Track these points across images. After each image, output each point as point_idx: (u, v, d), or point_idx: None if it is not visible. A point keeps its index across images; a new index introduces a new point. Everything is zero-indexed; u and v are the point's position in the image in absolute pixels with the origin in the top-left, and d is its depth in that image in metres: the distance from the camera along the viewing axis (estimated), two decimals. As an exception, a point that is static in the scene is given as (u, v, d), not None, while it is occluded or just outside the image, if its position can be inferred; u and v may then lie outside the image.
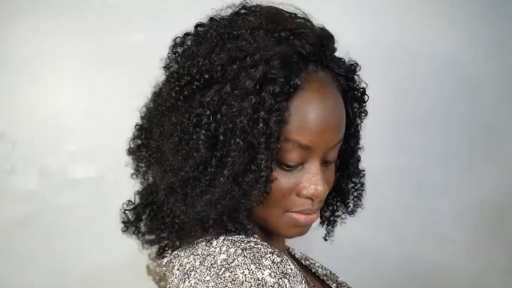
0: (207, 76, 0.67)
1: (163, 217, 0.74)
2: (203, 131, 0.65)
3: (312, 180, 0.69)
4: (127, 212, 0.84)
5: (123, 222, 0.84)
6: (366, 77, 0.81)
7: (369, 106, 0.84)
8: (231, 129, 0.64)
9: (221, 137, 0.65)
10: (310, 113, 0.67)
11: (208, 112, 0.65)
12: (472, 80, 1.39)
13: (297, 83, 0.66)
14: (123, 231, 0.85)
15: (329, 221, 0.90)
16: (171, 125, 0.70)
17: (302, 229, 0.74)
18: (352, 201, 0.89)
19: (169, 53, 0.79)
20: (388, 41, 1.35)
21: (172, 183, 0.68)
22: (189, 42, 0.77)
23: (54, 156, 1.33)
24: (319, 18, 0.77)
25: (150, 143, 0.77)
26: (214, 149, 0.66)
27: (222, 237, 0.67)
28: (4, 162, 1.31)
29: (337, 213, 0.90)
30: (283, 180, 0.68)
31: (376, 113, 1.40)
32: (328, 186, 0.73)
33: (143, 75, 1.35)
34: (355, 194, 0.89)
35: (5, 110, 1.31)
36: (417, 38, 1.38)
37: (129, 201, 0.84)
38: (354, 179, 0.87)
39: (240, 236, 0.68)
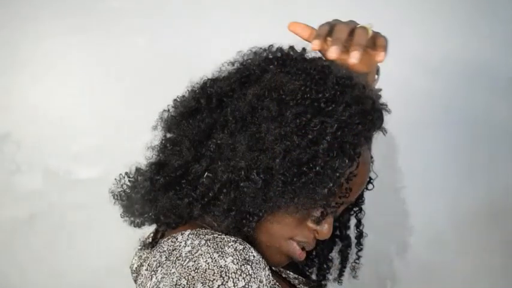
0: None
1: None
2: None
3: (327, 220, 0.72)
4: None
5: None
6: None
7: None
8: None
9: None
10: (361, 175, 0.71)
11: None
12: (468, 82, 1.40)
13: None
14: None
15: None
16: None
17: (285, 262, 0.75)
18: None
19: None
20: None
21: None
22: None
23: (58, 156, 1.35)
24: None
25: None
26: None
27: (187, 232, 0.67)
28: (9, 163, 1.33)
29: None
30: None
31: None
32: None
33: (146, 76, 1.38)
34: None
35: (10, 111, 1.33)
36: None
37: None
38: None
39: (206, 230, 0.68)
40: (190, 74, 0.76)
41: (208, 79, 0.74)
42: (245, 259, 0.60)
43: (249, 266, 0.60)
